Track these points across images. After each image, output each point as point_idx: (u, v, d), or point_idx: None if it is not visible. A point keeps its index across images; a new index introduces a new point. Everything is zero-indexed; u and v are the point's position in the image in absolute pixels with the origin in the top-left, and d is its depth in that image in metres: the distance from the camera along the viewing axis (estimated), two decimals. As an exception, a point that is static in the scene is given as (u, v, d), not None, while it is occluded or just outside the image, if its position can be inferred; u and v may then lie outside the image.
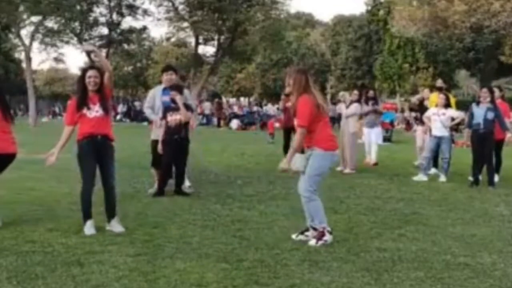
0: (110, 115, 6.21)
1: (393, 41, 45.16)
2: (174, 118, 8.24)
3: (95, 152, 5.97)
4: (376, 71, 48.53)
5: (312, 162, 5.61)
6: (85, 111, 5.96)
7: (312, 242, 5.58)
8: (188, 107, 8.38)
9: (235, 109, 39.69)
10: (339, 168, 11.81)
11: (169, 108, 8.32)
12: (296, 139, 5.65)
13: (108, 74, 6.02)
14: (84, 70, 6.16)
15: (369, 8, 53.05)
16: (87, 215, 5.95)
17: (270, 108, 39.51)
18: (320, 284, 4.42)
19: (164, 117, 8.34)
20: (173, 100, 8.24)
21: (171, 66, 9.72)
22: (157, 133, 8.50)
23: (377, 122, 13.85)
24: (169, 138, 8.26)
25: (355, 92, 13.16)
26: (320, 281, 4.46)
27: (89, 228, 5.89)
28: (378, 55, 49.74)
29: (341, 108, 12.73)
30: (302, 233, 5.81)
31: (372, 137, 13.59)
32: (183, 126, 8.31)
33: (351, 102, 12.35)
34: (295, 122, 5.92)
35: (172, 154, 8.30)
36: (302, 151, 5.78)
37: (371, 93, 14.19)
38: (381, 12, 49.39)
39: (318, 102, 5.62)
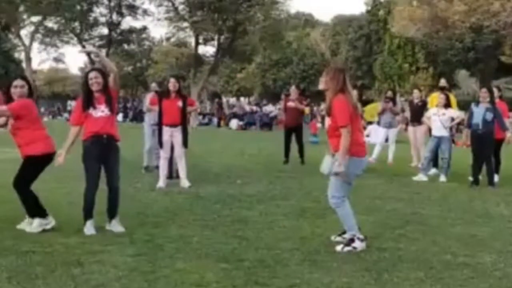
0: (115, 116, 6.22)
1: (393, 41, 45.09)
2: None
3: (100, 152, 5.96)
4: (376, 71, 48.46)
5: (337, 170, 5.39)
6: (90, 111, 5.96)
7: (339, 247, 5.43)
8: None
9: (235, 109, 39.66)
10: None
11: None
12: (343, 141, 5.29)
13: (113, 75, 6.02)
14: (87, 72, 6.15)
15: (369, 8, 52.97)
16: (88, 215, 5.94)
17: (271, 108, 39.45)
18: (320, 284, 4.42)
19: None
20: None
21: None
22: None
23: (394, 122, 13.89)
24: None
25: (355, 92, 13.12)
26: (320, 281, 4.46)
27: (89, 228, 5.89)
28: (378, 55, 49.67)
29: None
30: (340, 235, 5.72)
31: (390, 137, 13.65)
32: None
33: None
34: (329, 122, 5.61)
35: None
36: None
37: (389, 93, 14.24)
38: (381, 12, 49.32)
39: (354, 103, 5.46)
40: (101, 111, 5.97)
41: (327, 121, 5.57)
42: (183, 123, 9.31)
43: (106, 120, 5.97)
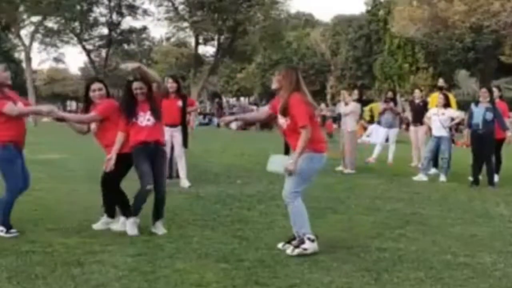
0: (161, 122, 6.21)
1: (393, 41, 45.12)
2: None
3: (149, 156, 5.97)
4: (376, 71, 48.50)
5: (300, 164, 5.19)
6: (135, 120, 5.96)
7: (289, 250, 5.22)
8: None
9: (235, 109, 39.67)
10: (339, 168, 11.81)
11: None
12: (301, 140, 5.16)
13: (156, 84, 6.04)
14: (129, 82, 6.12)
15: (369, 8, 53.00)
16: (135, 212, 5.96)
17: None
18: (320, 284, 4.42)
19: None
20: None
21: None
22: None
23: (395, 123, 13.91)
24: None
25: (355, 91, 13.17)
26: (320, 281, 4.47)
27: (132, 226, 5.90)
28: (378, 55, 49.69)
29: (340, 106, 12.74)
30: (289, 242, 5.39)
31: (390, 137, 13.66)
32: None
33: (352, 101, 12.34)
34: (281, 120, 5.37)
35: None
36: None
37: (389, 94, 14.27)
38: (381, 12, 49.35)
39: (309, 100, 5.36)
40: (146, 119, 5.98)
41: (283, 120, 5.35)
42: (183, 123, 9.31)
43: (152, 129, 5.98)
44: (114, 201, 6.16)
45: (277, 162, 5.46)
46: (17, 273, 4.50)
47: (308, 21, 71.27)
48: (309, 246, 5.18)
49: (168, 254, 5.14)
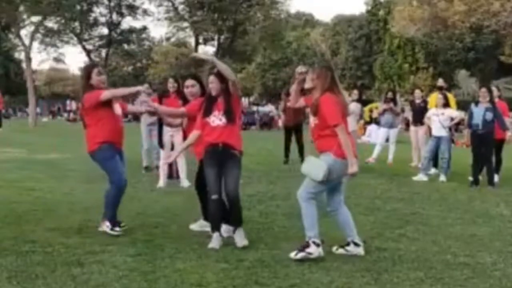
0: (236, 124, 5.69)
1: (393, 41, 45.17)
2: None
3: (216, 161, 5.57)
4: (376, 71, 48.54)
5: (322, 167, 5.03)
6: (207, 118, 5.60)
7: (292, 253, 5.04)
8: None
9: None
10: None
11: None
12: (343, 140, 4.97)
13: (230, 83, 5.57)
14: (184, 77, 6.01)
15: (369, 8, 53.03)
16: (214, 228, 5.57)
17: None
18: (320, 284, 4.42)
19: None
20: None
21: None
22: None
23: (395, 123, 13.92)
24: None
25: (355, 91, 13.18)
26: (320, 281, 4.47)
27: (213, 242, 5.47)
28: (378, 55, 49.74)
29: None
30: (342, 246, 5.33)
31: (391, 137, 13.67)
32: None
33: (351, 101, 12.34)
34: (314, 122, 5.22)
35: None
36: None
37: (389, 94, 14.28)
38: (381, 12, 49.39)
39: (345, 103, 5.24)
40: (218, 119, 5.58)
41: (312, 121, 5.26)
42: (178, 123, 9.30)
43: (222, 130, 5.54)
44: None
45: (315, 168, 5.14)
46: (17, 273, 4.50)
47: (308, 21, 71.30)
48: (314, 251, 5.04)
49: (168, 254, 5.14)
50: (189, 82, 6.14)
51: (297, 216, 6.94)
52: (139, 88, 6.17)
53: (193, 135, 5.74)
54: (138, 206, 7.49)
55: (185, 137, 9.23)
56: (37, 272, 4.54)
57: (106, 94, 5.78)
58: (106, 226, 5.83)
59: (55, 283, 4.31)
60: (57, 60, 54.65)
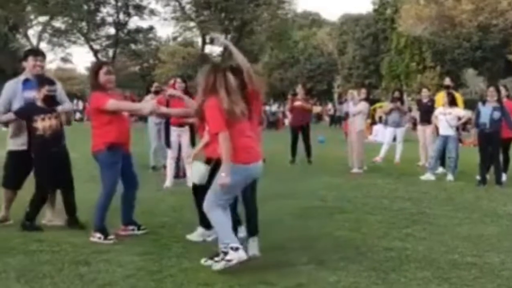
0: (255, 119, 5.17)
1: (400, 40, 45.06)
2: (49, 124, 5.97)
3: None
4: (383, 70, 48.44)
5: (219, 176, 4.63)
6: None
7: (214, 266, 4.66)
8: (57, 104, 6.18)
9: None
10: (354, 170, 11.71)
11: (37, 109, 5.99)
12: (222, 149, 4.57)
13: (245, 72, 5.07)
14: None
15: (376, 7, 52.93)
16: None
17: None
18: (327, 283, 4.41)
19: (29, 120, 5.99)
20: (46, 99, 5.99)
21: (40, 51, 6.94)
22: (20, 142, 6.19)
23: (402, 122, 13.90)
24: (44, 152, 6.03)
25: (363, 90, 13.16)
26: (327, 281, 4.46)
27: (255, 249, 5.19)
28: (385, 54, 49.63)
29: (349, 106, 12.72)
30: (211, 258, 4.84)
31: (398, 136, 13.65)
32: (62, 132, 6.19)
33: (359, 100, 12.32)
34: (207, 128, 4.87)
35: (51, 173, 6.09)
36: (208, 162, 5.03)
37: (396, 93, 14.27)
38: (388, 11, 49.30)
39: (231, 106, 4.62)
40: None
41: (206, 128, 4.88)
42: (191, 123, 9.31)
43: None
44: None
45: (195, 172, 4.99)
46: (25, 272, 4.52)
47: (315, 21, 71.21)
48: (233, 256, 4.56)
49: (175, 254, 5.15)
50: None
51: (304, 216, 6.97)
52: (145, 108, 5.99)
53: (224, 136, 5.17)
54: (144, 205, 7.48)
55: (192, 136, 9.28)
56: (44, 271, 4.56)
57: (111, 104, 5.57)
58: (97, 238, 5.54)
59: (63, 282, 4.33)
60: (64, 60, 54.80)
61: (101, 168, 5.71)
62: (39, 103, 5.95)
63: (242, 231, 5.56)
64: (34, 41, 36.83)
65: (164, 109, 6.36)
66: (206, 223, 5.49)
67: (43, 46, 47.10)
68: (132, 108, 5.99)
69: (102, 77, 5.71)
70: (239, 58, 5.13)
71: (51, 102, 6.00)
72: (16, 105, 6.11)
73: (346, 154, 12.56)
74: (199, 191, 5.43)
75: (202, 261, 4.86)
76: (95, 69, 5.83)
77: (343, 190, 9.12)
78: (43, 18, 37.80)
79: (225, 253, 4.62)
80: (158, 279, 4.43)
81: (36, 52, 6.48)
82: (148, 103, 5.88)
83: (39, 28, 38.36)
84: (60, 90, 6.37)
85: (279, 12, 41.16)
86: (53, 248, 5.23)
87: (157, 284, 4.33)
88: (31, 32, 37.95)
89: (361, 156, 11.88)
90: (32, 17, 37.28)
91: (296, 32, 58.83)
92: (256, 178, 4.91)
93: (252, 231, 5.28)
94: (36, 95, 5.97)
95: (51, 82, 6.06)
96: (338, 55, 60.27)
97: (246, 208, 5.36)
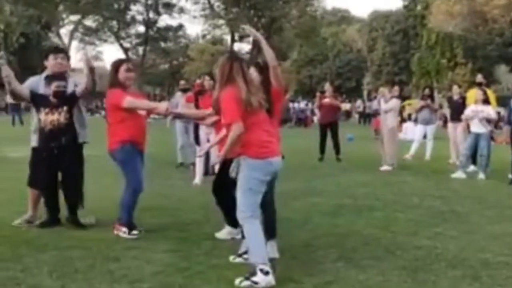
0: (277, 117, 5.13)
1: (430, 36, 44.52)
2: (51, 118, 5.95)
3: None
4: (413, 67, 47.95)
5: (240, 174, 4.45)
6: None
7: (237, 280, 4.31)
8: (67, 100, 6.06)
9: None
10: (384, 167, 11.61)
11: (46, 101, 5.99)
12: (230, 135, 4.39)
13: (271, 69, 5.01)
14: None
15: (406, 3, 52.43)
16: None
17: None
18: (356, 282, 4.39)
19: (37, 111, 6.07)
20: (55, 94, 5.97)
21: (61, 48, 6.85)
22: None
23: (433, 119, 13.80)
24: (41, 145, 6.05)
25: (396, 88, 13.08)
26: (356, 279, 4.44)
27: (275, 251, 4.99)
28: (415, 51, 49.12)
29: (380, 103, 12.64)
30: (240, 255, 4.83)
31: (428, 134, 13.56)
32: (66, 128, 6.01)
33: (391, 97, 12.24)
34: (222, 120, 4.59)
35: (44, 169, 6.02)
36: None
37: (427, 91, 14.20)
38: (419, 7, 48.76)
39: (249, 97, 4.41)
40: None
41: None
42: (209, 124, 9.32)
43: None
44: (228, 208, 5.31)
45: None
46: (57, 268, 4.60)
47: (344, 17, 70.84)
48: (261, 279, 4.25)
49: (204, 251, 5.18)
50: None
51: (333, 213, 6.94)
52: (159, 108, 5.80)
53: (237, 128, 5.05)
54: (173, 202, 7.57)
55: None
56: (76, 267, 4.63)
57: (128, 102, 5.58)
58: (122, 232, 5.61)
59: (93, 278, 4.39)
60: (95, 58, 55.48)
61: (121, 166, 5.75)
62: (51, 99, 5.95)
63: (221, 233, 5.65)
64: (66, 39, 37.31)
65: (178, 110, 6.26)
66: (231, 222, 5.45)
67: (75, 44, 47.89)
68: (147, 107, 5.89)
69: (122, 74, 5.72)
70: (268, 53, 5.01)
71: (60, 97, 5.96)
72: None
73: (375, 151, 12.47)
74: (219, 190, 5.44)
75: (231, 258, 4.86)
76: (116, 66, 5.82)
77: (372, 188, 9.07)
78: (74, 17, 38.34)
79: (253, 273, 4.29)
80: (187, 275, 4.46)
81: (57, 50, 6.43)
82: (163, 104, 5.73)
83: (71, 26, 38.89)
84: (74, 82, 6.23)
85: (308, 9, 41.02)
86: (84, 245, 5.31)
87: (186, 280, 4.36)
88: (63, 31, 38.55)
89: (393, 153, 11.80)
90: (64, 16, 37.80)
91: (325, 29, 58.56)
92: (275, 174, 4.66)
93: (271, 234, 4.99)
94: (48, 91, 5.98)
95: (60, 78, 6.03)
96: (368, 52, 59.88)
97: (264, 210, 4.89)
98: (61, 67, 6.15)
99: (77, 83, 6.15)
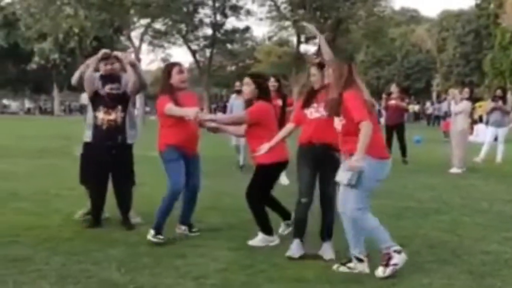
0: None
1: (504, 35, 42.99)
2: (108, 117, 6.09)
3: (314, 161, 5.08)
4: (486, 68, 46.47)
5: (353, 173, 4.43)
6: (305, 110, 5.15)
7: (379, 271, 4.50)
8: (120, 100, 6.17)
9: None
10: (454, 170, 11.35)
11: (104, 101, 6.11)
12: (363, 135, 4.33)
13: (326, 68, 4.98)
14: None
15: (479, 2, 50.87)
16: (297, 233, 5.16)
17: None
18: (420, 285, 4.35)
19: (95, 110, 6.14)
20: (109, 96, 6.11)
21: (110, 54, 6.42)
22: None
23: (505, 121, 13.41)
24: (97, 143, 6.13)
25: (466, 89, 12.78)
26: (420, 282, 4.39)
27: (292, 249, 5.07)
28: (488, 51, 47.60)
29: (450, 105, 12.40)
30: (344, 264, 4.74)
31: (499, 136, 13.20)
32: (122, 127, 6.15)
33: (461, 99, 11.96)
34: (341, 124, 4.57)
35: (101, 169, 6.14)
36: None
37: (498, 91, 13.82)
38: (492, 6, 47.21)
39: (369, 100, 4.56)
40: (317, 111, 5.06)
41: (337, 124, 4.60)
42: (282, 122, 9.33)
43: (320, 124, 4.98)
44: (261, 215, 5.50)
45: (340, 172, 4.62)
46: (125, 263, 4.77)
47: (413, 17, 69.53)
48: (398, 259, 4.51)
49: (267, 250, 5.24)
50: (245, 80, 5.58)
51: (399, 216, 6.85)
52: (188, 114, 5.46)
53: (287, 128, 5.32)
54: (237, 203, 7.63)
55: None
56: (144, 262, 4.79)
57: (168, 109, 5.52)
58: (151, 236, 5.46)
59: (159, 273, 4.52)
60: (164, 60, 56.61)
61: (164, 166, 5.69)
62: (107, 99, 6.08)
63: (282, 228, 5.75)
64: (136, 42, 38.27)
65: (208, 116, 6.07)
66: (263, 227, 5.49)
67: (145, 47, 49.05)
68: (180, 114, 5.58)
69: (175, 76, 5.66)
70: (325, 50, 5.12)
71: (115, 98, 6.09)
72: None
73: (444, 154, 12.21)
74: (254, 196, 5.49)
75: (334, 267, 4.72)
76: (167, 69, 5.77)
77: (440, 191, 8.89)
78: (144, 21, 39.22)
79: (389, 258, 4.49)
80: (250, 273, 4.53)
81: (106, 57, 6.29)
82: (192, 110, 5.48)
83: (141, 30, 39.84)
84: (126, 81, 6.22)
85: (376, 10, 40.42)
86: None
87: (249, 278, 4.43)
88: (133, 34, 39.49)
89: (463, 155, 11.53)
90: (135, 19, 38.78)
91: (394, 29, 57.60)
92: (386, 176, 4.66)
93: (329, 234, 5.16)
94: (103, 91, 6.11)
95: (113, 80, 6.15)
96: (437, 53, 58.49)
97: (324, 211, 5.18)
98: (112, 71, 6.25)
99: (126, 81, 6.23)
